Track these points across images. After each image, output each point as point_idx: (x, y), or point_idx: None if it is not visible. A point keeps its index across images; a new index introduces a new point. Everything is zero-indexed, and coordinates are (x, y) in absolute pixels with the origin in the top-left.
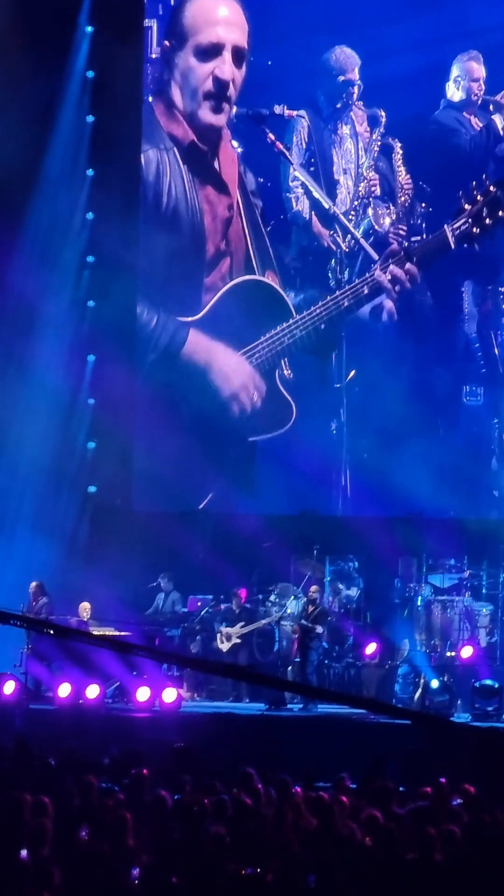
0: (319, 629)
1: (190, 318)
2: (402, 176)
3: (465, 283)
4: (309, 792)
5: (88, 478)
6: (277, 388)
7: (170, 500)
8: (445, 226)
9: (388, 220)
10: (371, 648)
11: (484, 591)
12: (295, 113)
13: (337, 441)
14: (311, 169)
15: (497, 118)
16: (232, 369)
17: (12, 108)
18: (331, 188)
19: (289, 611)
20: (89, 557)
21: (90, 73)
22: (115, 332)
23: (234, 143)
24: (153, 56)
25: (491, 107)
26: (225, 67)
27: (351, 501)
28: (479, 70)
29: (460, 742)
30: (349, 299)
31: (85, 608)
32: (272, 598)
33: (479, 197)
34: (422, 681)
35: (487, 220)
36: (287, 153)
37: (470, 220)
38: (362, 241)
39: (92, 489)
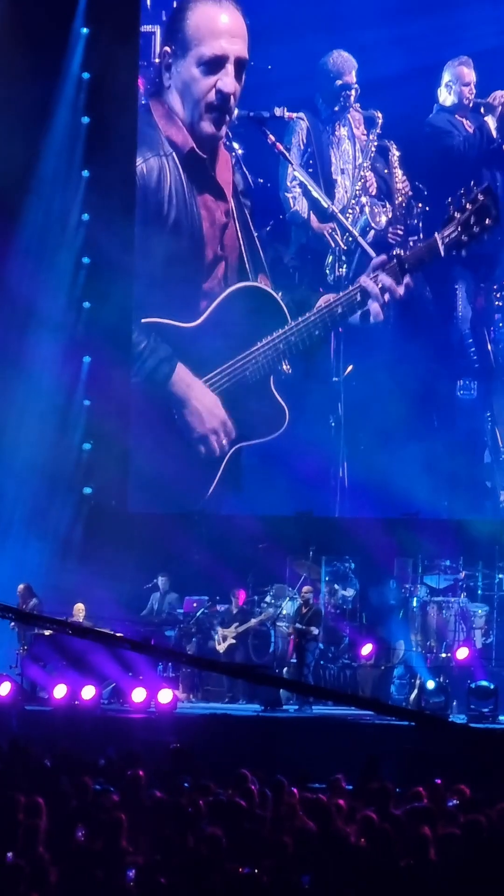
0: (315, 630)
1: (189, 325)
2: (399, 177)
3: (459, 280)
4: (304, 792)
5: (84, 479)
6: (272, 394)
7: (165, 501)
8: (436, 234)
9: (384, 219)
10: (367, 649)
11: (479, 592)
12: (294, 115)
13: (334, 437)
14: (310, 169)
15: (490, 120)
16: (207, 410)
17: (8, 109)
18: (329, 187)
19: (284, 612)
20: (84, 559)
21: (86, 75)
22: (111, 333)
23: (236, 145)
24: (155, 61)
25: (482, 109)
26: (227, 80)
27: (347, 501)
28: (470, 74)
29: (455, 743)
30: (342, 306)
31: (79, 609)
32: (268, 599)
33: (467, 205)
34: (417, 682)
35: (475, 228)
36: (287, 154)
37: (459, 227)
38: (360, 238)
39: (87, 490)
